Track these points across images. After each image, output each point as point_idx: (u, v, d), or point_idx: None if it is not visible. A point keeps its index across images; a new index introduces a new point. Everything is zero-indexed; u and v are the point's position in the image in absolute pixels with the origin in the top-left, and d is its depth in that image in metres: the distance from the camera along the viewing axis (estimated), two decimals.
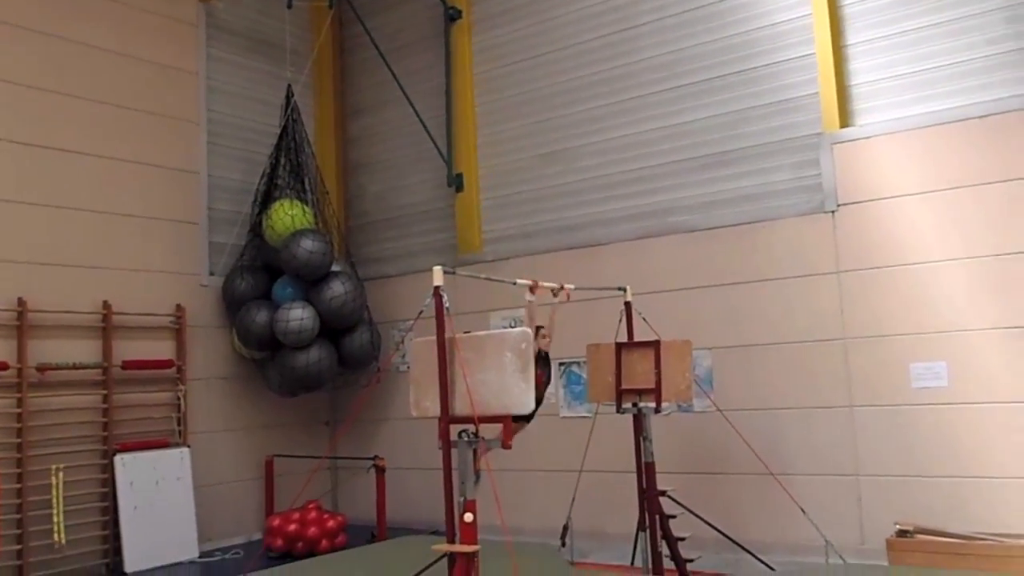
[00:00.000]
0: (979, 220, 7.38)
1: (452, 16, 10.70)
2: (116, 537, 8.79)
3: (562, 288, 6.67)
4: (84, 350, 8.88)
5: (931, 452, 7.45)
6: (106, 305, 9.05)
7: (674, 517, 7.08)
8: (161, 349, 9.58)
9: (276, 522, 9.22)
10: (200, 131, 10.33)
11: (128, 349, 9.20)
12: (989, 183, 7.36)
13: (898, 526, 7.24)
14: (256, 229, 10.21)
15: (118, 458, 8.85)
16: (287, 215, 9.83)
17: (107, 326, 9.04)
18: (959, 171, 7.49)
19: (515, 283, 6.41)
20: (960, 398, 7.37)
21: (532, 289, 6.36)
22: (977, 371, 7.31)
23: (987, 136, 7.40)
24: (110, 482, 8.85)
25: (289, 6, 10.89)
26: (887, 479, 7.65)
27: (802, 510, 7.24)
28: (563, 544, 7.61)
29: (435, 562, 5.64)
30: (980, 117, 7.46)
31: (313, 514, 9.29)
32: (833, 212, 8.07)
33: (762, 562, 7.31)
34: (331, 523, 9.32)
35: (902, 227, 7.71)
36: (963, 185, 7.47)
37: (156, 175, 9.76)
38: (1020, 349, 7.13)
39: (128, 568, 8.67)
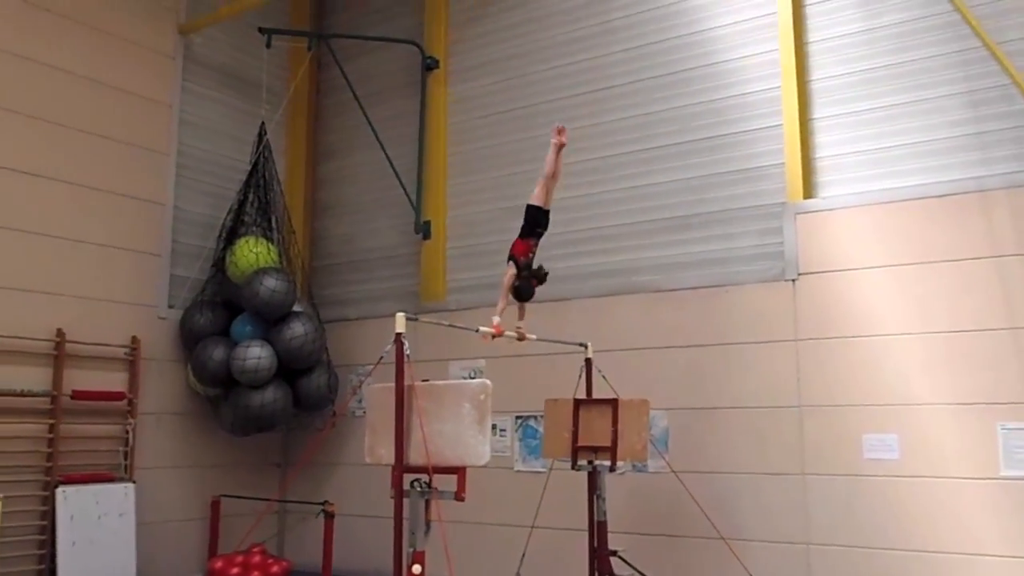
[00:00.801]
0: (934, 296, 7.53)
1: (429, 65, 10.82)
2: (52, 572, 8.51)
3: (523, 333, 6.75)
4: (34, 377, 8.69)
5: (880, 523, 7.50)
6: (60, 333, 8.89)
7: None
8: (113, 381, 9.40)
9: (218, 564, 9.00)
10: (169, 163, 10.27)
11: (79, 379, 9.01)
12: (945, 261, 7.53)
13: None
14: (219, 264, 10.12)
15: (60, 490, 8.61)
16: (251, 252, 9.77)
17: (60, 354, 8.86)
18: (917, 248, 7.66)
19: (477, 330, 6.43)
20: (910, 471, 7.45)
21: (495, 335, 6.43)
22: (927, 445, 7.40)
23: (945, 215, 7.59)
24: (50, 514, 8.59)
25: (268, 45, 10.94)
26: (837, 548, 7.67)
27: None
28: None
29: None
30: (939, 196, 7.65)
31: (257, 558, 9.09)
32: (794, 280, 8.20)
33: None
34: (275, 568, 9.11)
35: (860, 299, 7.85)
36: (920, 261, 7.63)
37: (121, 204, 9.67)
38: (969, 426, 7.24)
39: None
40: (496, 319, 6.44)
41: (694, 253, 8.86)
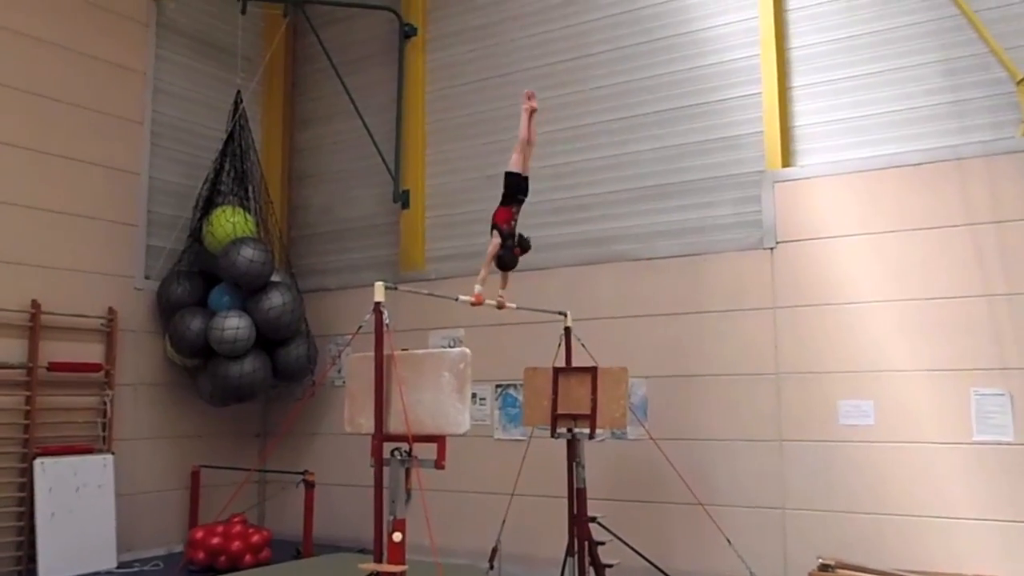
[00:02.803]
0: (910, 264, 7.59)
1: (407, 33, 10.71)
2: (31, 544, 8.50)
3: (503, 301, 6.71)
4: (9, 349, 8.61)
5: (855, 488, 7.61)
6: (35, 304, 8.80)
7: (603, 544, 7.11)
8: (90, 352, 9.34)
9: (199, 535, 9.02)
10: (143, 131, 10.14)
11: (55, 350, 8.94)
12: (920, 229, 7.58)
13: (820, 560, 7.36)
14: (196, 234, 10.04)
15: (38, 462, 8.58)
16: (228, 222, 9.70)
17: (35, 325, 8.78)
18: (893, 215, 7.71)
19: (457, 299, 6.41)
20: (885, 436, 7.54)
21: (474, 304, 6.39)
22: (902, 411, 7.50)
23: (920, 183, 7.63)
24: (28, 487, 8.56)
25: (243, 11, 10.78)
26: (812, 513, 7.78)
27: (728, 541, 7.33)
28: (491, 567, 7.58)
29: None
30: (915, 165, 7.69)
31: (238, 528, 9.11)
32: (772, 249, 8.23)
33: None
34: (256, 538, 9.14)
35: (837, 267, 7.90)
36: (896, 229, 7.68)
37: (95, 174, 9.55)
38: (943, 391, 7.33)
39: None
40: (478, 288, 6.41)
41: (673, 222, 8.87)
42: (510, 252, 6.55)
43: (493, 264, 6.55)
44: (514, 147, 6.89)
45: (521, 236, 6.65)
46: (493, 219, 6.64)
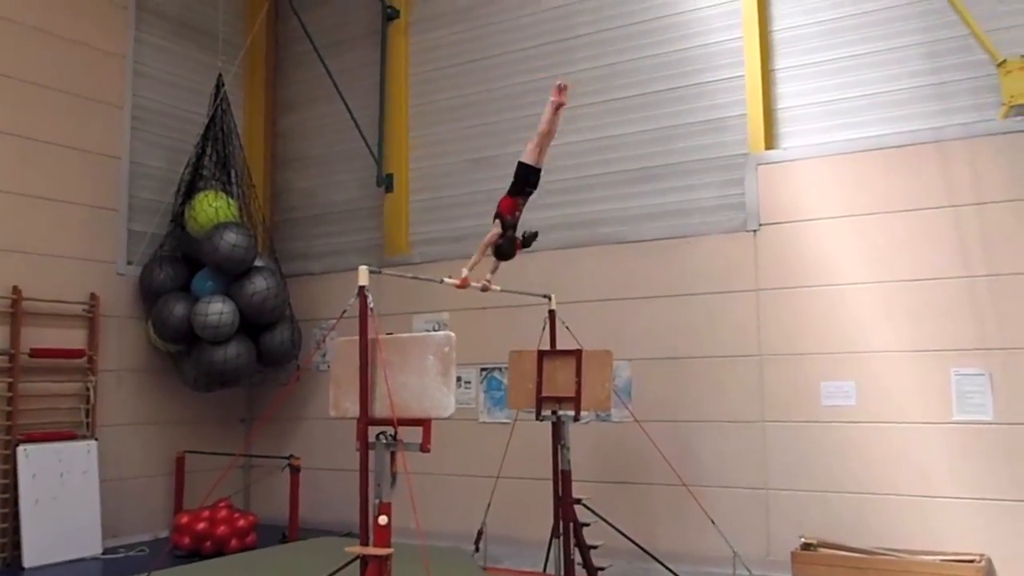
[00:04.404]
0: (892, 246, 7.64)
1: (390, 15, 10.66)
2: (16, 531, 8.47)
3: (488, 284, 6.67)
4: None
5: (837, 469, 7.68)
6: (16, 290, 8.73)
7: (588, 525, 7.16)
8: (72, 338, 9.28)
9: (184, 520, 9.02)
10: (124, 115, 10.05)
11: (38, 336, 8.88)
12: (903, 211, 7.63)
13: (803, 539, 7.45)
14: (178, 219, 9.97)
15: (21, 449, 8.54)
16: (211, 207, 9.64)
17: (16, 312, 8.71)
18: (876, 198, 7.75)
19: (442, 281, 6.41)
20: (867, 417, 7.62)
21: (460, 287, 6.36)
22: (884, 392, 7.57)
23: (903, 165, 7.68)
24: (11, 473, 8.52)
25: None
26: (795, 493, 7.86)
27: (712, 521, 7.38)
28: (477, 549, 7.63)
29: (347, 564, 5.58)
30: (897, 147, 7.73)
31: (223, 513, 9.11)
32: (755, 231, 8.26)
33: (671, 572, 7.43)
34: (241, 522, 9.15)
35: (820, 249, 7.95)
36: (879, 211, 7.73)
37: (75, 158, 9.46)
38: (924, 372, 7.41)
39: (27, 563, 8.35)
40: (465, 271, 6.36)
41: (656, 204, 8.89)
42: (511, 243, 6.44)
43: (488, 251, 6.47)
44: (531, 137, 6.63)
45: (527, 231, 6.56)
46: (498, 207, 6.50)
